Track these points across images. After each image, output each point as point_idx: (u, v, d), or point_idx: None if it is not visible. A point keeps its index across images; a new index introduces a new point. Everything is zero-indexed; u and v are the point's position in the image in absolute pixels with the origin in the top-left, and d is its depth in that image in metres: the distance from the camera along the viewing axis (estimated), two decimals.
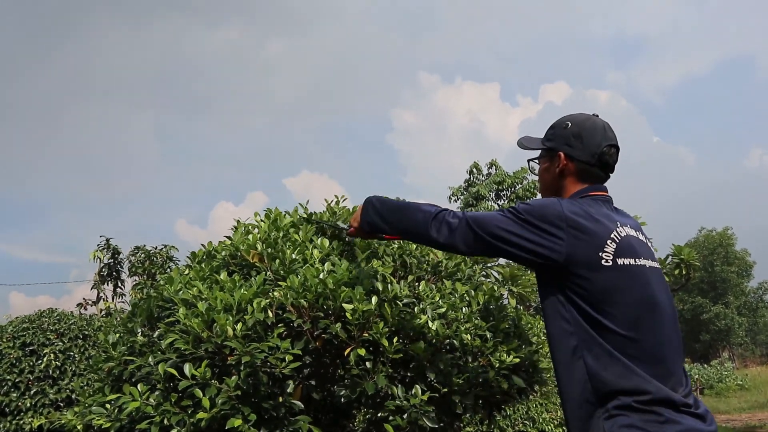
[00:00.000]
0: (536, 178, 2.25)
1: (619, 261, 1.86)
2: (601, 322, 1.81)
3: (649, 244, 2.03)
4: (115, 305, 14.37)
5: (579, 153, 2.01)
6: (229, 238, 3.34)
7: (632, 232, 1.95)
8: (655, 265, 1.97)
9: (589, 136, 2.01)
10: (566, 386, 1.85)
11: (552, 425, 6.83)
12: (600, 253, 1.85)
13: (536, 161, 2.20)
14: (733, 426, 12.70)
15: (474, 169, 23.27)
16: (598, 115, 2.09)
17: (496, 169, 22.92)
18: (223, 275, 2.91)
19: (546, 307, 1.92)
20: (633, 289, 1.85)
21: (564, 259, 1.86)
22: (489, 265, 3.75)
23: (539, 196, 2.23)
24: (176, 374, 2.59)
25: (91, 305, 14.49)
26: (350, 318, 2.51)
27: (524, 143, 2.21)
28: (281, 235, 3.11)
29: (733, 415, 15.77)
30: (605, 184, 2.10)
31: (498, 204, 22.34)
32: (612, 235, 1.88)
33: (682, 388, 1.84)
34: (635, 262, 1.89)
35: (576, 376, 1.82)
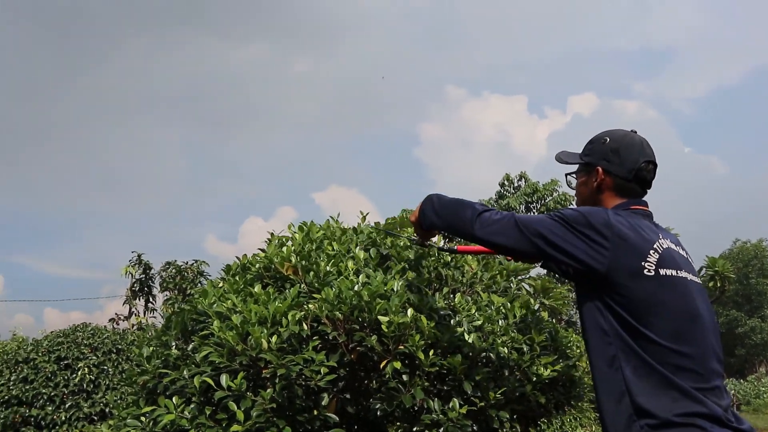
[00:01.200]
0: (569, 190, 2.27)
1: (662, 271, 1.84)
2: (642, 332, 1.79)
3: (690, 260, 2.02)
4: (146, 320, 14.55)
5: (617, 168, 2.03)
6: (262, 250, 3.34)
7: (673, 246, 1.95)
8: (696, 279, 1.96)
9: (627, 152, 2.03)
10: (604, 396, 1.83)
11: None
12: (642, 263, 1.83)
13: (573, 176, 2.21)
14: None
15: (506, 182, 23.15)
16: (636, 132, 2.11)
17: (525, 182, 22.77)
18: (257, 288, 2.91)
19: (585, 318, 1.90)
20: (675, 299, 1.83)
21: (606, 268, 1.84)
22: (520, 277, 3.69)
23: (573, 205, 2.22)
24: (212, 384, 2.58)
25: (124, 320, 14.68)
26: (386, 330, 2.48)
27: (562, 158, 2.22)
28: (315, 247, 3.10)
29: None
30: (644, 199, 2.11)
31: None
32: (654, 246, 1.87)
33: (724, 402, 1.79)
34: (677, 273, 1.88)
35: (614, 387, 1.79)
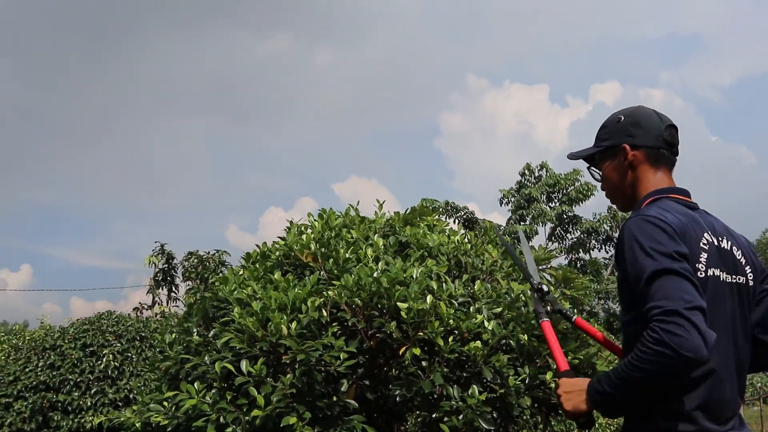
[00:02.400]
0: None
1: (710, 272, 1.72)
2: None
3: (738, 254, 1.83)
4: (169, 309, 14.72)
5: (644, 139, 1.95)
6: (282, 238, 3.36)
7: (720, 240, 1.80)
8: (742, 280, 1.80)
9: (647, 122, 1.96)
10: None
11: (609, 430, 6.64)
12: (696, 264, 1.69)
13: (596, 170, 2.09)
14: None
15: (526, 171, 22.98)
16: (643, 106, 2.03)
17: (546, 172, 22.58)
18: (277, 275, 2.93)
19: (627, 323, 1.75)
20: (715, 305, 1.69)
21: None
22: (542, 267, 3.65)
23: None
24: (233, 370, 2.61)
25: (147, 309, 14.87)
26: (405, 317, 2.48)
27: (576, 154, 2.13)
28: (334, 234, 3.11)
29: None
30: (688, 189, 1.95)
31: (549, 206, 21.99)
32: (701, 244, 1.74)
33: (730, 415, 1.71)
34: (722, 274, 1.74)
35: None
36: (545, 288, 2.18)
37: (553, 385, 2.77)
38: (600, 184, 2.07)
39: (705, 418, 1.65)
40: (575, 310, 3.63)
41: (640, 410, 1.68)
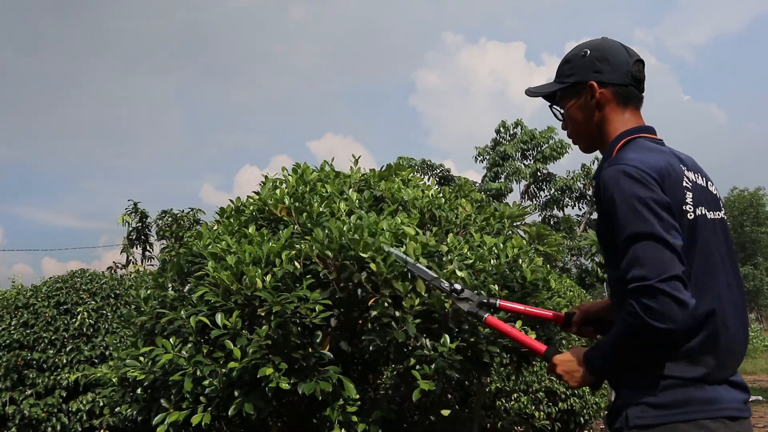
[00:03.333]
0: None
1: (698, 211, 1.66)
2: None
3: (710, 188, 1.79)
4: (144, 268, 14.63)
5: (611, 76, 1.81)
6: (256, 193, 3.35)
7: (694, 176, 1.73)
8: (721, 214, 1.76)
9: (615, 56, 1.82)
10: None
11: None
12: (683, 207, 1.63)
13: (557, 109, 1.95)
14: (759, 386, 12.65)
15: (501, 129, 22.99)
16: (607, 38, 1.89)
17: (521, 129, 22.62)
18: (251, 229, 2.93)
19: (615, 279, 1.69)
20: (703, 243, 1.65)
21: None
22: (516, 224, 3.68)
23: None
24: (209, 324, 2.63)
25: (121, 269, 14.77)
26: (374, 269, 2.51)
27: (534, 90, 1.96)
28: (308, 189, 3.11)
29: (759, 375, 15.69)
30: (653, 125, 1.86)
31: (524, 164, 22.10)
32: (684, 183, 1.67)
33: (734, 360, 1.68)
34: (705, 211, 1.69)
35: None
36: (458, 286, 2.15)
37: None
38: (562, 123, 1.94)
39: (713, 362, 1.62)
40: (548, 266, 3.69)
41: (644, 358, 1.62)
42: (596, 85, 1.82)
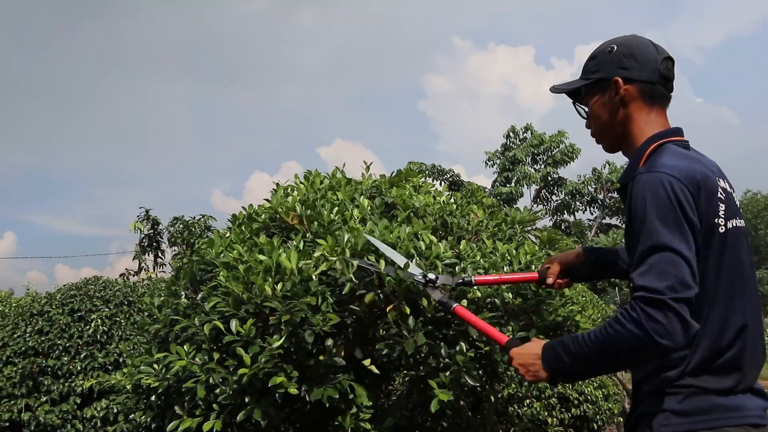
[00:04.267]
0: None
1: (729, 224, 1.62)
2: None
3: (734, 195, 1.74)
4: (156, 274, 14.72)
5: (638, 73, 1.75)
6: (267, 200, 3.36)
7: (725, 184, 1.69)
8: (743, 222, 1.72)
9: (643, 53, 1.76)
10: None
11: (591, 387, 6.79)
12: (716, 220, 1.60)
13: (581, 106, 1.90)
14: None
15: (511, 133, 22.96)
16: (637, 34, 1.84)
17: (531, 133, 22.57)
18: (262, 238, 2.94)
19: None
20: (730, 255, 1.63)
21: (699, 230, 1.58)
22: (527, 228, 3.68)
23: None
24: (223, 329, 2.63)
25: (134, 275, 14.87)
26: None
27: (559, 87, 1.91)
28: (320, 196, 3.11)
29: None
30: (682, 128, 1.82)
31: (534, 168, 22.05)
32: (719, 194, 1.62)
33: (756, 369, 1.66)
34: (736, 223, 1.65)
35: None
36: (433, 276, 2.15)
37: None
38: (585, 121, 1.89)
39: (740, 376, 1.61)
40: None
41: (667, 372, 1.60)
42: (621, 81, 1.76)
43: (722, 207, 1.62)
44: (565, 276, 2.15)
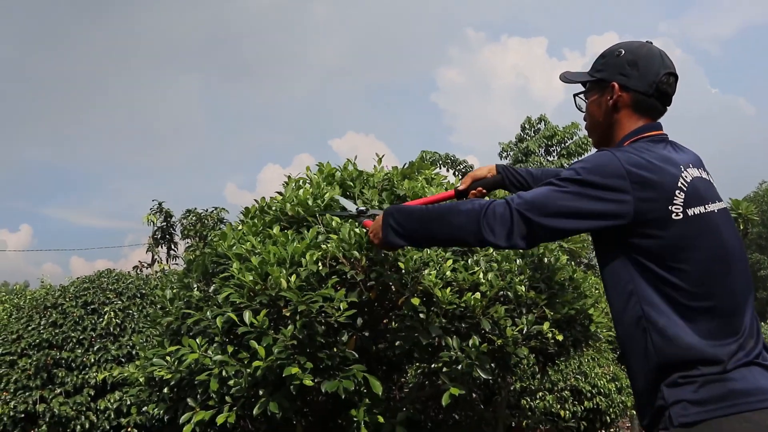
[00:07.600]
0: (585, 133, 2.07)
1: (690, 212, 1.68)
2: (669, 281, 1.65)
3: (712, 182, 1.82)
4: (169, 267, 14.79)
5: (635, 82, 1.81)
6: (280, 193, 3.36)
7: (696, 173, 1.76)
8: (722, 205, 1.78)
9: (646, 64, 1.81)
10: (633, 360, 1.72)
11: (604, 380, 6.76)
12: (670, 207, 1.67)
13: (583, 97, 1.97)
14: None
15: (526, 125, 22.82)
16: (652, 43, 1.88)
17: (545, 125, 22.42)
18: (275, 230, 2.93)
19: (605, 273, 1.76)
20: (704, 240, 1.68)
21: (631, 220, 1.67)
22: None
23: (591, 150, 2.09)
24: (237, 321, 2.63)
25: (147, 267, 14.95)
26: (403, 266, 2.49)
27: (568, 77, 1.99)
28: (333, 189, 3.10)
29: None
30: (660, 121, 1.89)
31: (547, 160, 21.92)
32: (679, 184, 1.69)
33: (753, 341, 1.67)
34: (705, 209, 1.71)
35: (641, 347, 1.68)
36: (363, 208, 2.52)
37: (549, 335, 2.81)
38: (583, 114, 1.99)
39: (735, 347, 1.62)
40: (573, 263, 3.63)
41: (668, 364, 1.63)
42: (618, 86, 1.83)
43: (680, 196, 1.68)
44: (478, 187, 2.48)
